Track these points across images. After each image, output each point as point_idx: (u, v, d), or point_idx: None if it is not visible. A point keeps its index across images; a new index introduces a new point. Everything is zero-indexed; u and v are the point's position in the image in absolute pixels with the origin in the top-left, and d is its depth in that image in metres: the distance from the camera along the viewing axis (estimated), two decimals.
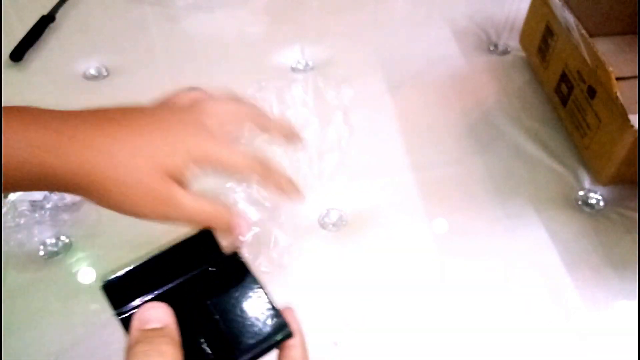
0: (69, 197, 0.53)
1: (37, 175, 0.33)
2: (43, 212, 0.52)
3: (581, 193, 0.53)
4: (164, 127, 0.37)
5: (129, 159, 0.34)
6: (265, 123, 0.41)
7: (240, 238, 0.37)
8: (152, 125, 0.36)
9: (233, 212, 0.38)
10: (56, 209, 0.52)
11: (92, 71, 0.66)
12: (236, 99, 0.41)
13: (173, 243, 0.33)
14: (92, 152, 0.33)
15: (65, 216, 0.52)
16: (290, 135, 0.43)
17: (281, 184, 0.39)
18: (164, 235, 0.50)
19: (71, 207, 0.53)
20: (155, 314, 0.29)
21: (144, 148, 0.35)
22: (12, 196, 0.51)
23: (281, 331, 0.30)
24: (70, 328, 0.43)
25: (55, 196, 0.52)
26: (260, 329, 0.30)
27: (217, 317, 0.30)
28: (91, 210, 0.51)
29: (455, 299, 0.45)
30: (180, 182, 0.36)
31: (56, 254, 0.48)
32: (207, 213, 0.37)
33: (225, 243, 0.36)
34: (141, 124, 0.36)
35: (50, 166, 0.32)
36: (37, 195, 0.52)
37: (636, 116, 0.47)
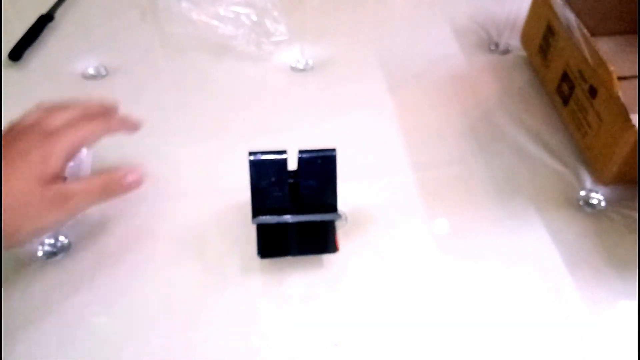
0: None
1: None
2: None
3: (582, 193, 0.53)
4: (21, 149, 0.41)
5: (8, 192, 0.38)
6: (102, 128, 0.46)
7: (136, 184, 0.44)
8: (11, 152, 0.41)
9: (119, 170, 0.43)
10: None
11: (91, 71, 0.65)
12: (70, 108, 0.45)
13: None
14: None
15: None
16: (130, 126, 0.49)
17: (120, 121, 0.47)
18: (163, 235, 0.50)
19: None
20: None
21: (16, 172, 0.39)
22: None
23: (336, 215, 0.45)
24: (70, 328, 0.43)
25: None
26: (327, 208, 0.45)
27: (307, 191, 0.44)
28: (90, 211, 0.51)
29: (455, 299, 0.45)
30: (61, 178, 0.41)
31: (55, 254, 0.48)
32: (99, 183, 0.43)
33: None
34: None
35: None
36: None
37: (637, 116, 0.47)
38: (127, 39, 0.70)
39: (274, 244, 0.45)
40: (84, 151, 0.46)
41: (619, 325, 0.44)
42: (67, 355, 0.42)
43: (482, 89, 0.64)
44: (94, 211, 0.52)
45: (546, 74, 0.62)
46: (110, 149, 0.57)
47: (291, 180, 0.44)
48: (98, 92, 0.63)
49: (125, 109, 0.61)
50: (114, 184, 0.43)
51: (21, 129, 0.43)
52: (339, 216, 0.45)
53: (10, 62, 0.66)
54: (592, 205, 0.52)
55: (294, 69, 0.67)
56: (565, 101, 0.58)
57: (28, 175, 0.39)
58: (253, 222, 0.44)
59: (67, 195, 0.41)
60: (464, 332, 0.43)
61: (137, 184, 0.44)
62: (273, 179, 0.43)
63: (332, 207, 0.45)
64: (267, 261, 0.47)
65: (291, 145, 0.45)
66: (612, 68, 0.47)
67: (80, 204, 0.42)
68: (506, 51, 0.69)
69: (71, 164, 0.44)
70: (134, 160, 0.56)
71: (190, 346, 0.42)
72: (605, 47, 0.64)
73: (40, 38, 0.69)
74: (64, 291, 0.46)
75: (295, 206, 0.44)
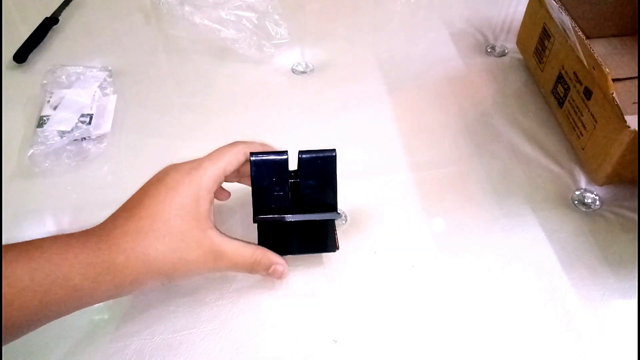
0: (94, 130, 0.58)
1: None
2: (71, 141, 0.56)
3: (577, 193, 0.54)
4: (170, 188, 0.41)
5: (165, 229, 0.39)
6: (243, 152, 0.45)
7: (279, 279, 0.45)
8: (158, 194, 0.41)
9: (268, 255, 0.44)
10: (82, 140, 0.57)
11: None
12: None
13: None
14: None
15: (90, 146, 0.57)
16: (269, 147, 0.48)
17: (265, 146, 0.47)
18: None
19: (96, 140, 0.58)
20: None
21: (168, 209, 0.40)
22: (44, 125, 0.57)
23: (336, 215, 0.45)
24: (69, 328, 0.44)
25: (81, 128, 0.57)
26: (327, 208, 0.45)
27: (307, 191, 0.45)
28: (91, 211, 0.51)
29: (452, 298, 0.46)
30: (209, 222, 0.41)
31: None
32: (249, 262, 0.43)
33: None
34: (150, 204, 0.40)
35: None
36: (66, 126, 0.57)
37: (632, 117, 0.47)
38: (130, 42, 0.71)
39: (275, 243, 0.45)
40: (111, 97, 0.50)
41: (614, 323, 0.44)
42: (67, 355, 0.42)
43: (479, 91, 0.65)
44: (94, 211, 0.52)
45: (542, 76, 0.62)
46: (115, 151, 0.58)
47: (292, 180, 0.45)
48: None
49: (129, 111, 0.62)
50: (261, 268, 0.44)
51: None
52: (339, 215, 0.46)
53: (15, 64, 0.66)
54: (587, 205, 0.53)
55: (294, 71, 0.68)
56: (561, 103, 0.58)
57: (184, 215, 0.40)
58: (254, 222, 0.45)
59: (220, 253, 0.41)
60: (460, 330, 0.44)
61: (280, 276, 0.45)
62: (274, 179, 0.44)
63: (332, 207, 0.45)
64: None
65: (292, 145, 0.45)
66: (607, 70, 0.48)
67: (225, 268, 0.42)
68: (502, 54, 0.70)
69: (98, 103, 0.47)
70: (137, 160, 0.57)
71: (193, 343, 0.43)
72: (600, 49, 0.65)
73: (44, 40, 0.70)
74: None
75: (295, 206, 0.45)
